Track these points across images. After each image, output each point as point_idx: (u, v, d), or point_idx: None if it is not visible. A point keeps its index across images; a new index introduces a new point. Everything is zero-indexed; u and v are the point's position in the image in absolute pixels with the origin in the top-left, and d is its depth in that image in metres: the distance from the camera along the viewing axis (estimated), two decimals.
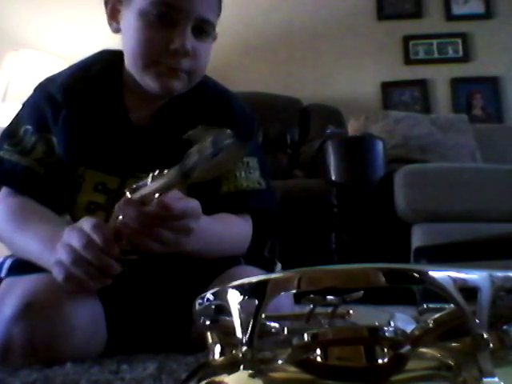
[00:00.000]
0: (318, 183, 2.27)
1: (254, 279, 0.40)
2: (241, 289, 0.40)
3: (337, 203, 2.18)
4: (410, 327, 0.42)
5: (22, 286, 0.84)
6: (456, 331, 0.40)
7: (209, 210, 0.98)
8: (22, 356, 0.79)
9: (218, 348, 0.44)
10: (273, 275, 0.39)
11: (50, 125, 1.02)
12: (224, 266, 0.96)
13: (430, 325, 0.41)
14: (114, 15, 1.02)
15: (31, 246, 0.91)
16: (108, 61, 1.07)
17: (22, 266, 0.93)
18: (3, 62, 2.88)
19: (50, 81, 1.07)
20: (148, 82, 0.98)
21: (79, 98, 1.03)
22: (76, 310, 0.83)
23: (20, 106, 1.09)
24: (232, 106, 1.12)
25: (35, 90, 1.08)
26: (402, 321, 0.45)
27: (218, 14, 1.02)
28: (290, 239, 2.10)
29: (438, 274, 0.37)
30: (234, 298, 0.40)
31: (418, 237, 2.09)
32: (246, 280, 0.40)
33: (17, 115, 1.08)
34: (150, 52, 0.96)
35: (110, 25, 1.02)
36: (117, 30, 1.02)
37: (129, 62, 1.01)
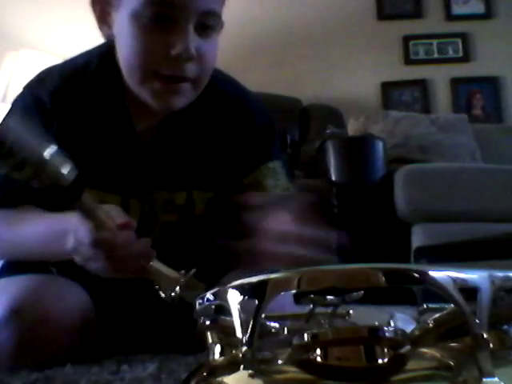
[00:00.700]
0: (318, 183, 2.27)
1: (254, 279, 0.40)
2: (241, 289, 0.40)
3: (337, 203, 2.18)
4: (409, 327, 0.42)
5: (9, 290, 0.83)
6: (456, 331, 0.40)
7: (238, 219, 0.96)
8: (9, 360, 0.79)
9: (217, 348, 0.44)
10: (273, 275, 0.39)
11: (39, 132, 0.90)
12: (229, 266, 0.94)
13: (430, 325, 0.41)
14: (103, 19, 0.87)
15: (32, 238, 0.85)
16: (107, 58, 0.92)
17: (12, 268, 0.91)
18: (3, 62, 2.88)
19: (40, 82, 0.93)
20: (146, 97, 0.85)
21: (72, 108, 0.90)
22: (64, 313, 0.82)
23: None
24: (250, 109, 1.00)
25: (23, 92, 0.95)
26: (402, 321, 0.45)
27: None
28: None
29: (438, 274, 0.37)
30: (234, 298, 0.40)
31: (418, 237, 2.09)
32: (245, 280, 0.40)
33: (4, 120, 0.93)
34: (147, 62, 0.82)
35: (101, 30, 0.89)
36: (109, 36, 0.88)
37: (125, 74, 0.87)
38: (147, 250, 0.75)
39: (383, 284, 0.36)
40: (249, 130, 0.98)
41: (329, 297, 0.47)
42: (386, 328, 0.38)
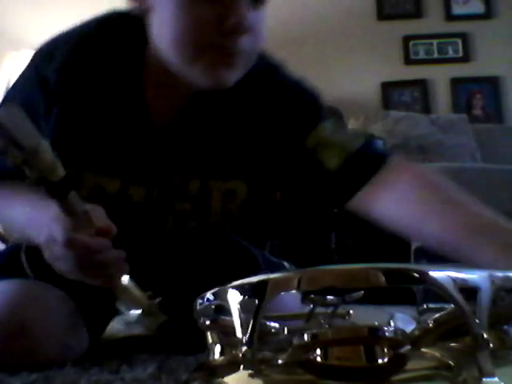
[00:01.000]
0: None
1: (254, 279, 0.40)
2: (241, 289, 0.40)
3: None
4: (410, 327, 0.42)
5: None
6: (456, 331, 0.40)
7: (324, 195, 0.87)
8: None
9: (217, 348, 0.44)
10: (272, 275, 0.39)
11: (39, 116, 0.84)
12: (244, 272, 0.90)
13: (430, 325, 0.41)
14: None
15: (17, 217, 0.81)
16: (125, 31, 0.85)
17: None
18: (3, 62, 2.88)
19: (47, 57, 0.86)
20: (197, 75, 0.78)
21: (79, 86, 0.84)
22: (44, 322, 0.80)
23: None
24: (283, 79, 0.91)
25: (29, 65, 0.88)
26: (402, 321, 0.45)
27: None
28: (289, 239, 2.10)
29: (438, 274, 0.37)
30: (234, 298, 0.40)
31: None
32: (245, 280, 0.40)
33: (7, 92, 0.92)
34: (200, 35, 0.75)
35: (133, 6, 0.81)
36: (144, 12, 0.80)
37: (169, 51, 0.79)
38: (119, 261, 0.72)
39: (383, 284, 0.36)
40: (287, 101, 0.90)
41: (329, 297, 0.47)
42: (385, 328, 0.38)
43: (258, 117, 0.90)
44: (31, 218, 0.78)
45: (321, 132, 0.88)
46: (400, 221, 0.81)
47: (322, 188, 0.88)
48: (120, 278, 0.74)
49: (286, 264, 1.03)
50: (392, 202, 0.82)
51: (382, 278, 0.36)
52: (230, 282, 0.41)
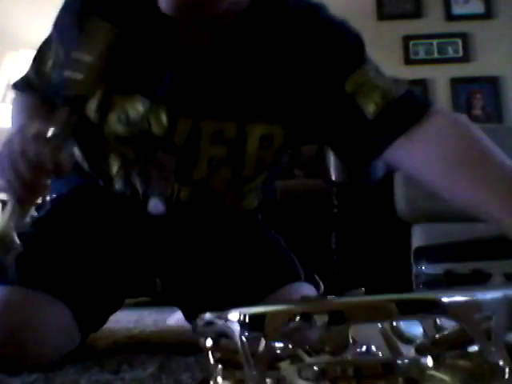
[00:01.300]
0: (318, 183, 2.27)
1: (252, 311, 0.38)
2: (240, 321, 0.38)
3: (337, 203, 2.18)
4: (413, 329, 0.41)
5: None
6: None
7: (363, 142, 0.83)
8: None
9: (219, 368, 0.42)
10: (270, 308, 0.38)
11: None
12: (282, 280, 0.87)
13: (440, 338, 0.40)
14: None
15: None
16: None
17: None
18: (3, 62, 2.88)
19: None
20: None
21: (114, 11, 0.83)
22: (37, 326, 0.78)
23: None
24: (326, 19, 0.89)
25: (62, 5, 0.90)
26: (406, 322, 0.44)
27: None
28: (290, 239, 2.10)
29: (453, 302, 0.36)
30: (235, 328, 0.38)
31: (418, 237, 2.09)
32: (244, 311, 0.38)
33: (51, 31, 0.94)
34: None
35: None
36: None
37: None
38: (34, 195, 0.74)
39: (396, 317, 0.35)
40: (328, 41, 0.87)
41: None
42: (399, 362, 0.37)
43: (298, 55, 0.86)
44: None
45: (363, 74, 0.84)
46: (433, 177, 0.79)
47: (358, 136, 0.84)
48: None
49: (316, 277, 1.01)
50: (429, 156, 0.79)
51: (395, 310, 0.35)
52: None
